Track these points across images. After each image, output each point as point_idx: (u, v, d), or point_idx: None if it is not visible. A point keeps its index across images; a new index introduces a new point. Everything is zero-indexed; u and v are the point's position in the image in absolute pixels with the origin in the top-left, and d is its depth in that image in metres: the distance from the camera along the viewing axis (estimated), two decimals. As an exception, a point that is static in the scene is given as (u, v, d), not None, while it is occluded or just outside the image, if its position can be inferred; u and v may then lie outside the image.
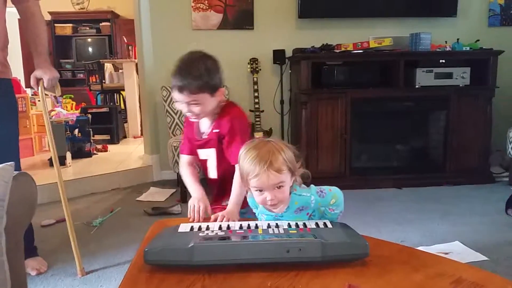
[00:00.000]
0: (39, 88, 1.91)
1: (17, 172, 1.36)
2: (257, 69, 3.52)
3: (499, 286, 0.91)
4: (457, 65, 3.26)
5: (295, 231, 1.02)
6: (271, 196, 1.13)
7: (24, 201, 1.39)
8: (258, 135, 3.41)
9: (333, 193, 1.19)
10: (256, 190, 1.14)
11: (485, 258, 2.06)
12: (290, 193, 1.17)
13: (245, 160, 1.14)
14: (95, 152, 4.29)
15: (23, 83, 5.45)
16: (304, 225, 1.08)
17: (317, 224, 1.08)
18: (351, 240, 0.98)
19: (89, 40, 7.41)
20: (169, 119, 3.37)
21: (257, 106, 3.50)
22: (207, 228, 1.07)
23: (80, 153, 4.05)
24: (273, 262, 0.94)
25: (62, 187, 1.98)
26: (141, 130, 5.00)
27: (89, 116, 4.44)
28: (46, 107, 2.04)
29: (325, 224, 1.08)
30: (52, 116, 4.47)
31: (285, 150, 1.14)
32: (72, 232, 2.00)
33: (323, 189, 1.19)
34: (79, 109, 5.17)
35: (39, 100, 5.07)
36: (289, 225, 1.07)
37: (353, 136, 3.26)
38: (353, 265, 0.96)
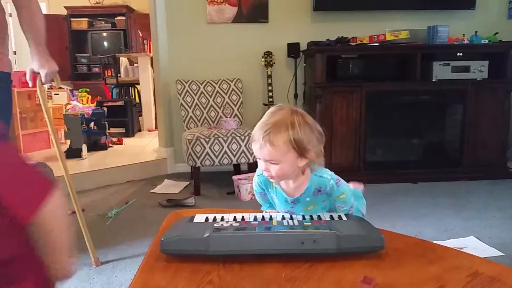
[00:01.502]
0: (37, 83, 1.77)
1: (37, 162, 1.39)
2: (271, 63, 3.51)
3: (517, 280, 0.90)
4: (475, 58, 3.19)
5: (310, 223, 1.02)
6: (264, 167, 1.10)
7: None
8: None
9: (346, 188, 1.19)
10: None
11: (500, 253, 2.03)
12: (303, 172, 1.13)
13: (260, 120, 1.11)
14: (110, 145, 4.34)
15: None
16: (319, 217, 1.08)
17: (331, 216, 1.08)
18: (366, 232, 0.98)
19: (105, 34, 7.48)
20: (183, 112, 3.39)
21: (270, 99, 3.49)
22: (222, 219, 1.08)
23: (95, 146, 4.11)
24: (288, 254, 0.94)
25: (68, 178, 1.99)
26: (156, 124, 5.04)
27: (105, 109, 4.50)
28: (46, 101, 1.95)
29: (339, 216, 1.08)
30: (68, 109, 4.54)
31: (300, 128, 1.06)
32: (83, 223, 2.02)
33: (340, 180, 1.18)
34: (95, 103, 5.23)
35: (56, 94, 5.17)
36: (304, 217, 1.07)
37: (368, 130, 3.23)
38: (368, 257, 0.96)
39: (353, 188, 1.31)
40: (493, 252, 2.05)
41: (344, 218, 1.07)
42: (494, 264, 0.99)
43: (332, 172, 1.18)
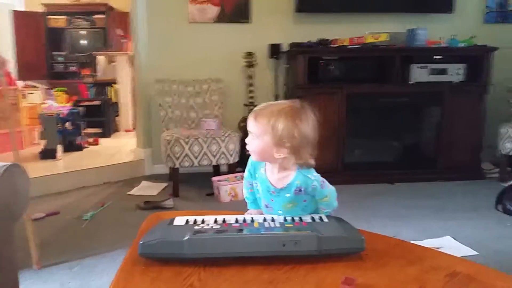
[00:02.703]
0: None
1: (9, 163, 1.34)
2: (252, 63, 3.50)
3: (493, 278, 0.91)
4: (452, 62, 3.26)
5: (291, 225, 1.01)
6: (247, 139, 1.19)
7: (17, 193, 1.37)
8: (252, 129, 3.40)
9: (331, 191, 1.19)
10: None
11: (475, 252, 2.08)
12: (287, 167, 1.16)
13: None
14: (86, 145, 4.25)
15: (15, 75, 5.39)
16: (300, 219, 1.07)
17: (312, 218, 1.08)
18: (347, 234, 0.98)
19: (83, 32, 7.32)
20: (162, 112, 3.34)
21: (251, 100, 3.49)
22: (203, 222, 1.06)
23: (71, 146, 4.02)
24: (269, 256, 0.93)
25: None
26: (133, 124, 4.96)
27: (81, 109, 4.40)
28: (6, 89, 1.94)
29: (320, 218, 1.07)
30: (43, 108, 4.43)
31: (286, 120, 1.09)
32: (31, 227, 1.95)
33: (325, 182, 1.18)
34: (71, 102, 5.11)
35: (30, 93, 5.03)
36: (285, 219, 1.07)
37: (347, 131, 3.26)
38: (349, 258, 0.96)
39: None
40: (468, 251, 2.10)
41: (325, 219, 1.07)
42: (470, 263, 1.00)
43: (318, 174, 1.18)
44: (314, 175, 1.16)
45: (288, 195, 1.17)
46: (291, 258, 0.94)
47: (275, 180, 1.18)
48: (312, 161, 1.16)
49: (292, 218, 1.08)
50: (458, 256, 1.64)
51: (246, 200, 1.36)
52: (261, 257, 0.93)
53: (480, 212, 2.67)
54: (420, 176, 3.33)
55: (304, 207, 1.20)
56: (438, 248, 2.07)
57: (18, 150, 1.97)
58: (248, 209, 1.34)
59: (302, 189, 1.15)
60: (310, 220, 1.06)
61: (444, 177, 3.33)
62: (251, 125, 1.15)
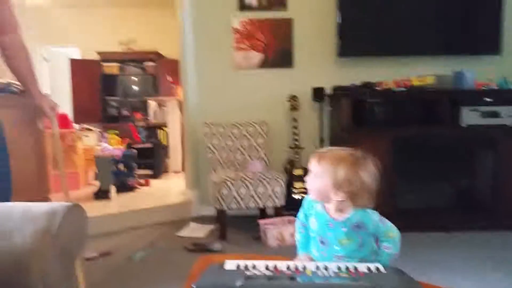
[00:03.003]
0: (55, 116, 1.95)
1: (71, 203, 1.42)
2: (296, 106, 3.56)
3: None
4: (505, 104, 3.15)
5: (346, 274, 0.99)
6: (307, 178, 1.26)
7: (76, 233, 1.43)
8: (297, 172, 3.40)
9: (393, 228, 1.21)
10: None
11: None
12: (341, 210, 1.19)
13: None
14: (137, 186, 4.40)
15: (72, 118, 5.76)
16: (355, 268, 1.04)
17: (369, 268, 1.05)
18: (407, 287, 0.94)
19: (134, 78, 7.78)
20: (210, 154, 3.43)
21: (296, 143, 3.51)
22: (254, 267, 1.06)
23: (123, 187, 4.17)
24: (323, 306, 0.92)
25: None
26: (182, 165, 5.10)
27: (134, 151, 4.59)
28: (58, 133, 2.12)
29: (377, 268, 1.04)
30: (98, 150, 4.67)
31: (346, 167, 1.16)
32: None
33: (384, 219, 1.20)
34: (123, 145, 5.37)
35: (85, 135, 5.34)
36: (339, 268, 1.05)
37: (397, 176, 3.16)
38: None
39: None
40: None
41: (382, 270, 1.03)
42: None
43: (376, 212, 1.20)
44: (373, 212, 1.20)
45: (344, 229, 1.18)
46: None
47: (332, 212, 1.21)
48: (370, 205, 1.19)
49: (347, 267, 1.06)
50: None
51: (297, 243, 1.35)
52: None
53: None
54: (478, 224, 3.13)
55: (361, 244, 1.19)
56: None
57: (69, 190, 2.06)
58: (298, 253, 1.33)
59: (362, 226, 1.17)
60: (366, 271, 1.03)
61: (503, 225, 3.13)
62: (313, 165, 1.22)
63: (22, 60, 1.79)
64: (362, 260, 1.19)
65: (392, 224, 1.22)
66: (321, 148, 1.30)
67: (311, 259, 1.25)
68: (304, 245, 1.33)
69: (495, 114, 3.12)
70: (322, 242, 1.24)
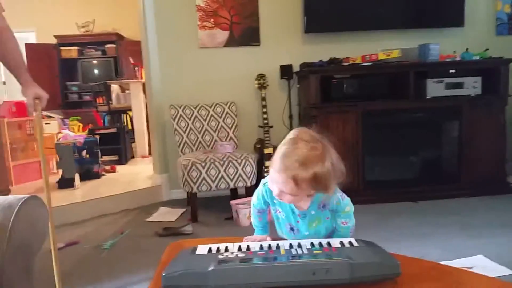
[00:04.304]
0: (39, 108, 1.75)
1: (27, 196, 1.33)
2: (264, 85, 3.50)
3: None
4: (468, 75, 3.21)
5: (320, 251, 0.96)
6: (278, 193, 1.09)
7: (35, 226, 1.35)
8: (268, 151, 3.37)
9: (349, 202, 1.18)
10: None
11: (511, 272, 1.98)
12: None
13: (281, 145, 1.09)
14: (103, 173, 4.26)
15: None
16: (329, 244, 1.02)
17: (342, 243, 1.03)
18: (380, 259, 0.93)
19: (95, 62, 7.48)
20: (178, 137, 3.34)
21: (266, 121, 3.47)
22: (226, 250, 1.02)
23: (88, 175, 4.02)
24: (298, 285, 0.89)
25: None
26: (149, 150, 4.98)
27: (97, 137, 4.43)
28: (42, 128, 1.94)
29: (350, 242, 1.02)
30: (59, 138, 4.47)
31: (323, 167, 1.04)
32: (56, 260, 1.88)
33: (344, 193, 1.18)
34: (86, 131, 5.17)
35: (47, 123, 5.10)
36: (312, 245, 1.02)
37: (365, 149, 3.20)
38: (384, 285, 0.91)
39: None
40: (504, 270, 1.99)
41: (355, 243, 1.02)
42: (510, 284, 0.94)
43: (336, 187, 1.16)
44: (335, 190, 1.15)
45: (313, 212, 1.15)
46: (321, 287, 0.88)
47: (296, 204, 1.16)
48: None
49: (320, 243, 1.03)
50: (493, 276, 1.56)
51: (254, 227, 1.31)
52: (290, 286, 0.88)
53: (511, 228, 2.56)
54: (443, 193, 3.23)
55: (327, 225, 1.18)
56: (470, 268, 1.98)
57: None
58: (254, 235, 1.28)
59: (326, 204, 1.14)
60: (339, 245, 1.01)
61: (469, 192, 3.23)
62: (289, 188, 1.06)
63: (14, 43, 1.70)
64: (327, 237, 1.19)
65: (348, 199, 1.18)
66: (308, 140, 1.07)
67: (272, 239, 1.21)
68: (262, 228, 1.29)
69: (459, 85, 3.18)
70: (292, 229, 1.21)
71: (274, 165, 1.07)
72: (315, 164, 1.04)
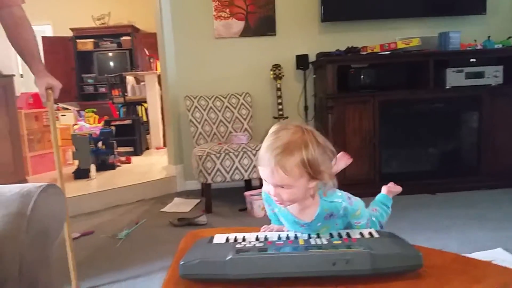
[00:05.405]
0: (51, 98, 1.76)
1: (45, 184, 1.33)
2: (280, 75, 3.46)
3: None
4: (489, 64, 3.12)
5: (340, 242, 0.94)
6: (274, 193, 1.01)
7: (53, 214, 1.35)
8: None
9: (358, 203, 1.10)
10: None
11: (533, 266, 1.93)
12: (313, 196, 1.04)
13: (264, 141, 1.01)
14: (118, 164, 4.29)
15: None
16: (348, 235, 1.00)
17: (361, 234, 1.00)
18: (402, 250, 0.90)
19: (110, 54, 7.52)
20: (192, 128, 3.33)
21: (281, 112, 3.44)
22: (244, 239, 1.01)
23: (104, 166, 4.06)
24: (318, 276, 0.86)
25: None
26: (164, 141, 5.00)
27: (113, 128, 4.46)
28: (54, 117, 1.95)
29: (370, 233, 1.00)
30: (75, 129, 4.52)
31: (311, 147, 0.96)
32: (71, 249, 1.89)
33: (351, 196, 1.09)
34: (102, 122, 5.21)
35: (63, 115, 5.16)
36: (332, 235, 0.99)
37: (382, 141, 3.15)
38: (406, 277, 0.88)
39: (384, 192, 1.41)
40: (525, 264, 1.94)
41: (376, 234, 0.99)
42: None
43: (342, 192, 1.09)
44: (339, 195, 1.07)
45: (319, 224, 1.06)
46: (341, 278, 0.86)
47: (296, 212, 1.07)
48: (333, 181, 1.04)
49: (339, 233, 1.01)
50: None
51: (270, 218, 1.25)
52: (309, 277, 0.86)
53: (531, 221, 2.50)
54: (462, 185, 3.16)
55: (338, 228, 1.10)
56: (490, 261, 1.93)
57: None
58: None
59: (334, 214, 1.06)
60: (359, 236, 0.98)
61: (488, 184, 3.16)
62: (280, 178, 0.97)
63: (30, 33, 1.70)
64: None
65: (356, 200, 1.10)
66: (289, 128, 1.01)
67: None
68: (280, 221, 1.20)
69: (479, 75, 3.10)
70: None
71: (261, 161, 1.00)
72: (300, 145, 0.97)
